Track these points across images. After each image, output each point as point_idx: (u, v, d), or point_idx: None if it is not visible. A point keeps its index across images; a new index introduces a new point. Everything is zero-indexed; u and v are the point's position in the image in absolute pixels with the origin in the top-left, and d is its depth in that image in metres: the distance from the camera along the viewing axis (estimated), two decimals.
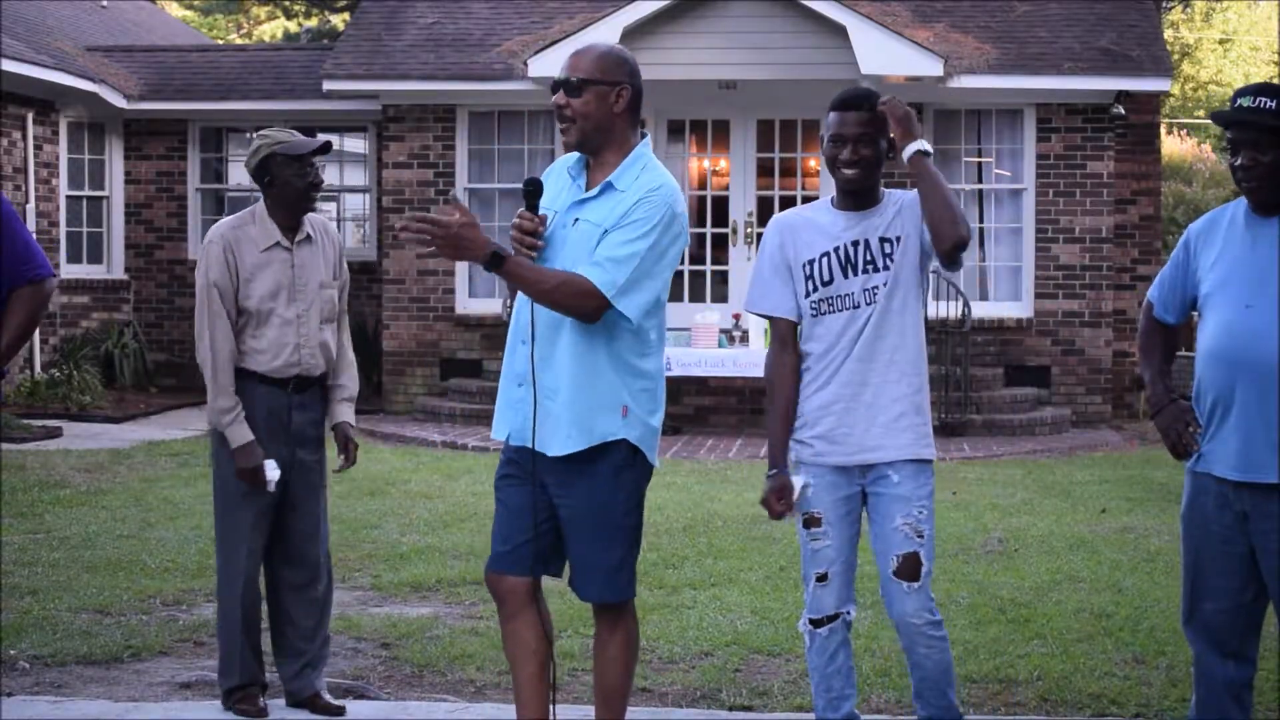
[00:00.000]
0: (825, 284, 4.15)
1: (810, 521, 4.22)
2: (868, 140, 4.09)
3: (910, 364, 4.16)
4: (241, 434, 4.92)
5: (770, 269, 4.27)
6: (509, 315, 4.23)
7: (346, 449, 5.17)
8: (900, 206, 4.14)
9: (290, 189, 4.98)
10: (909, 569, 4.11)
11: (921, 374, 4.19)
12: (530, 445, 4.00)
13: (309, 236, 5.08)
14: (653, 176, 4.00)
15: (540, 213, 3.99)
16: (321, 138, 5.10)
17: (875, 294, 4.11)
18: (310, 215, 5.15)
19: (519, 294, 4.02)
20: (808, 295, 4.18)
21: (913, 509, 4.13)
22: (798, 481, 4.23)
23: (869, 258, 4.12)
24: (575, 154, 4.08)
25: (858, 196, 4.17)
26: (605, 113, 3.96)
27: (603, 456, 3.99)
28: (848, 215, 4.17)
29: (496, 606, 4.18)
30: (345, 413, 5.19)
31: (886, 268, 4.11)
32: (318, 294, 5.06)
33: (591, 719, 4.28)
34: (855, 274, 4.13)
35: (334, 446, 5.17)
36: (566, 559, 4.11)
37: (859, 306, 4.13)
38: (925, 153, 4.04)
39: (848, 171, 4.11)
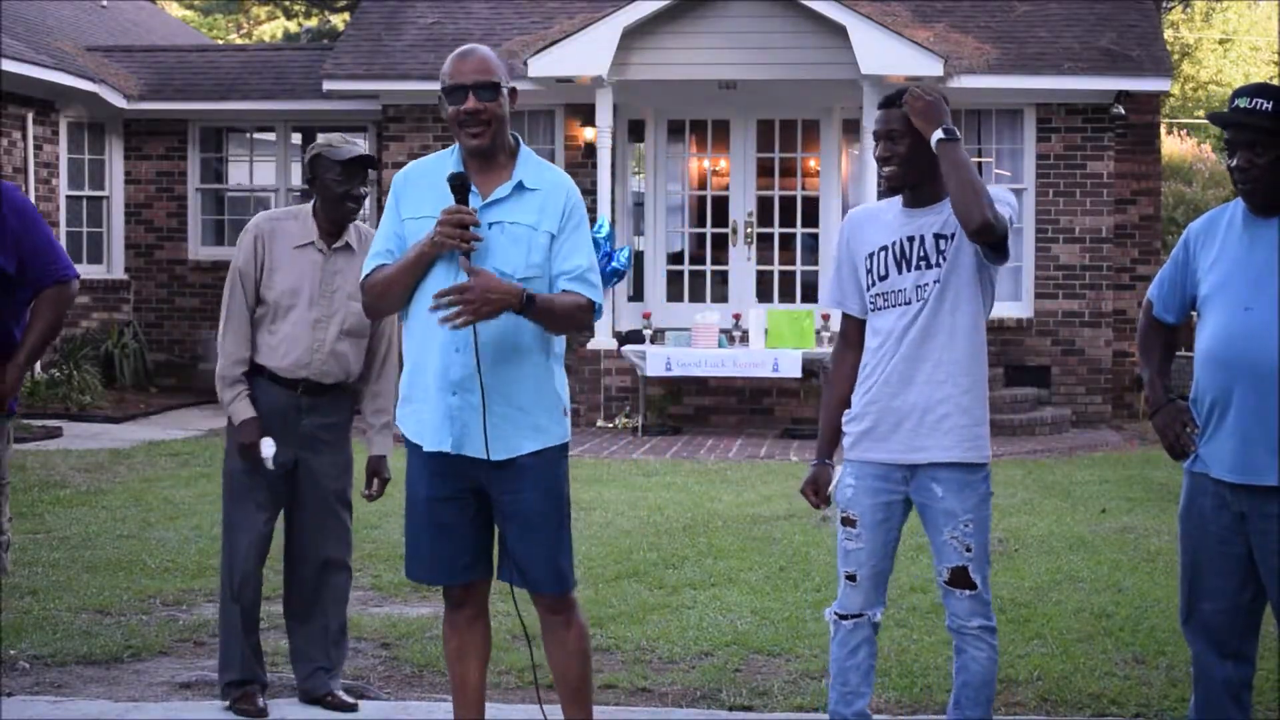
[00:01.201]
0: (881, 279, 4.14)
1: (847, 521, 4.22)
2: (899, 136, 4.07)
3: (959, 364, 4.10)
4: (241, 410, 5.01)
5: (838, 264, 4.30)
6: None
7: (371, 483, 5.13)
8: None
9: (327, 191, 5.03)
10: (959, 580, 4.12)
11: (972, 375, 4.13)
12: (469, 454, 3.94)
13: (348, 246, 5.08)
14: (552, 170, 4.10)
15: (471, 207, 3.91)
16: (362, 150, 5.09)
17: (926, 291, 4.07)
18: (360, 228, 5.16)
19: (429, 301, 3.89)
20: (869, 289, 4.18)
21: (958, 524, 4.10)
22: (837, 474, 4.24)
23: (923, 254, 4.09)
24: (448, 158, 4.02)
25: (916, 192, 4.13)
26: (507, 114, 4.00)
27: (544, 454, 4.02)
28: (908, 211, 4.15)
29: (452, 606, 4.15)
30: (381, 444, 5.15)
31: (939, 264, 4.07)
32: (345, 304, 5.03)
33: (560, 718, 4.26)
34: (909, 269, 4.10)
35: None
36: (514, 558, 4.06)
37: (910, 303, 4.09)
38: (948, 139, 4.00)
39: (885, 168, 4.13)
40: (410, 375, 4.06)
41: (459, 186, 3.89)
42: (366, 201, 18.18)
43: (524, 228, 3.96)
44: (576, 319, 4.01)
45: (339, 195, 5.01)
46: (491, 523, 4.11)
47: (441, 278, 3.91)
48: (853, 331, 4.29)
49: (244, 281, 5.04)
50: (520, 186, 3.99)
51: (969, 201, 3.93)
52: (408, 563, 4.18)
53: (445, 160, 4.05)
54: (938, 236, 4.09)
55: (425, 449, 4.00)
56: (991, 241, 3.98)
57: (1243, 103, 3.88)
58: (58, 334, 4.91)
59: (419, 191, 4.03)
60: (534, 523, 4.02)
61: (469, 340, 3.88)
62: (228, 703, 5.06)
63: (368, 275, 4.05)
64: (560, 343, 4.10)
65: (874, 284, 4.16)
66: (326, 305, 5.03)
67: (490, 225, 3.93)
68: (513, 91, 4.03)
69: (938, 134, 4.00)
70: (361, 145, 5.14)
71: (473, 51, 4.01)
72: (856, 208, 4.41)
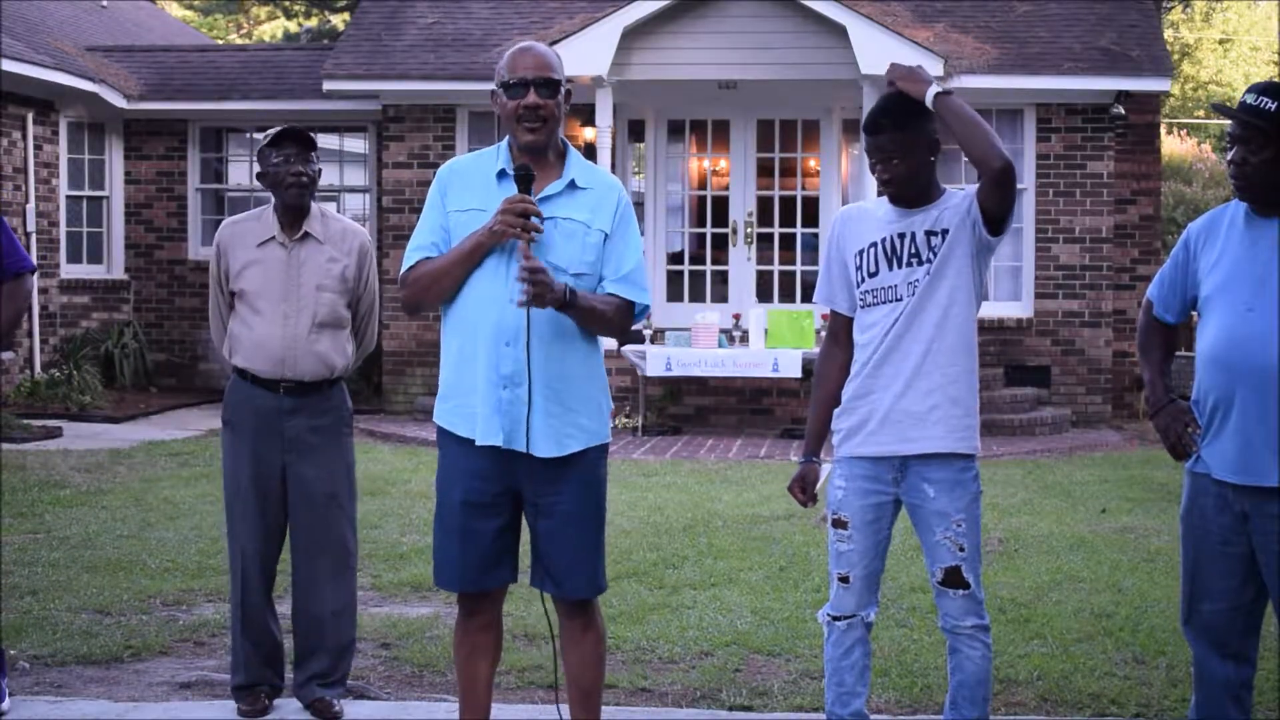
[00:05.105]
0: (871, 275, 4.14)
1: (838, 523, 4.23)
2: (894, 155, 4.06)
3: (948, 355, 4.09)
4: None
5: (828, 262, 4.30)
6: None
7: None
8: (952, 202, 4.12)
9: (266, 178, 5.04)
10: (952, 580, 4.12)
11: (961, 366, 4.11)
12: (517, 448, 3.92)
13: (310, 235, 5.05)
14: (601, 172, 4.10)
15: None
16: (285, 126, 5.11)
17: (916, 287, 4.08)
18: (331, 218, 5.14)
19: (476, 294, 3.92)
20: (859, 285, 4.18)
21: (950, 524, 4.09)
22: (824, 471, 4.24)
23: (913, 250, 4.10)
24: (495, 156, 4.02)
25: (907, 197, 4.16)
26: (563, 113, 4.00)
27: (588, 453, 4.02)
28: (900, 210, 4.16)
29: (467, 613, 4.14)
30: None
31: (929, 260, 4.08)
32: (314, 296, 5.01)
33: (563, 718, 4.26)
34: (899, 266, 4.10)
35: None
36: (544, 560, 4.04)
37: (901, 299, 4.09)
38: (944, 94, 3.99)
39: (885, 189, 4.15)
40: (455, 370, 4.00)
41: (523, 178, 3.87)
42: (366, 200, 17.89)
43: (578, 224, 3.95)
44: (613, 320, 4.00)
45: (279, 177, 4.99)
46: (519, 529, 4.08)
47: (491, 271, 3.90)
48: (841, 330, 4.30)
49: (221, 289, 5.14)
50: (573, 185, 3.98)
51: (984, 147, 3.94)
52: (436, 569, 4.12)
53: (491, 156, 4.04)
54: (929, 233, 4.10)
55: (477, 443, 3.94)
56: (1008, 182, 3.96)
57: (1249, 99, 3.89)
58: (19, 324, 5.10)
59: (466, 185, 4.01)
60: (572, 524, 4.00)
61: (520, 333, 3.86)
62: (240, 706, 5.06)
63: (410, 268, 4.01)
64: (601, 342, 4.10)
65: (864, 280, 4.16)
66: (295, 299, 5.00)
67: (543, 220, 3.91)
68: (568, 92, 4.01)
69: (931, 92, 4.00)
70: None
71: (532, 47, 4.00)
72: (848, 206, 4.41)
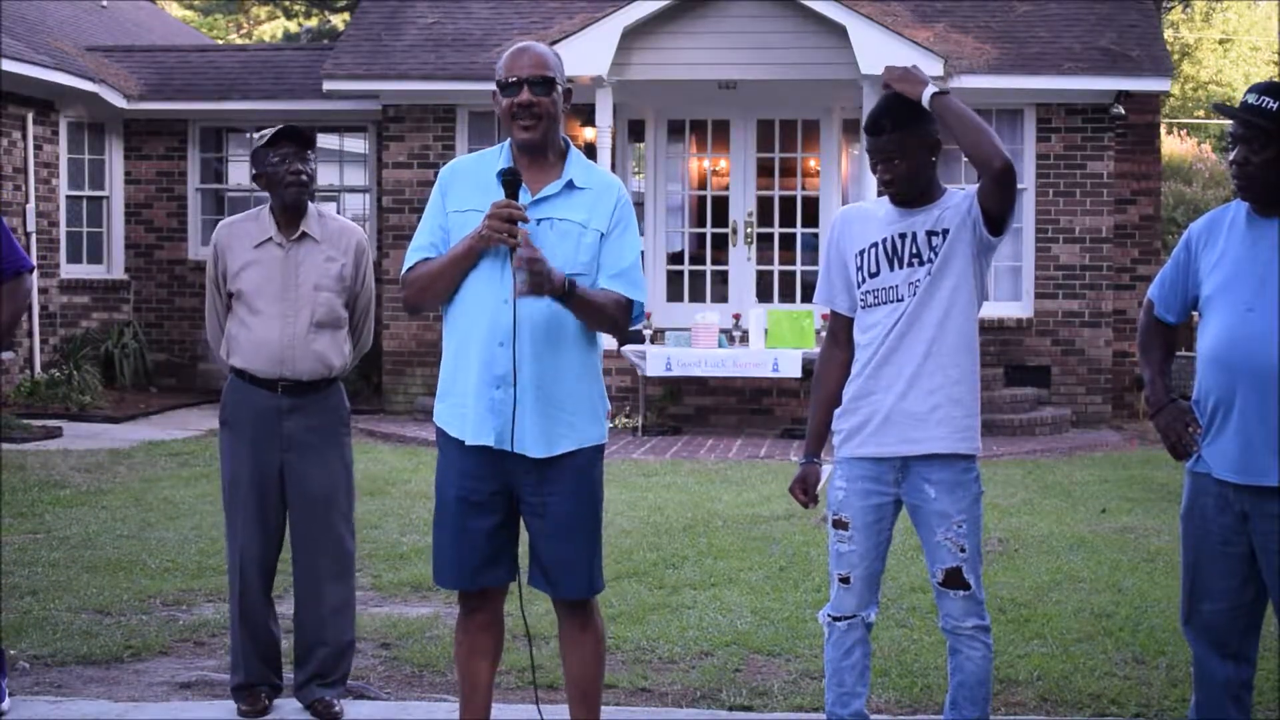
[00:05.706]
0: (872, 275, 4.14)
1: (839, 524, 4.23)
2: (896, 157, 4.07)
3: (950, 356, 4.09)
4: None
5: (828, 262, 4.30)
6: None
7: None
8: (953, 202, 4.12)
9: (270, 177, 5.03)
10: (953, 581, 4.12)
11: (962, 367, 4.11)
12: (509, 448, 3.93)
13: (308, 235, 5.05)
14: (601, 172, 4.11)
15: (521, 203, 3.91)
16: (283, 125, 5.10)
17: (918, 287, 4.08)
18: (328, 218, 5.15)
19: (473, 295, 3.94)
20: (859, 285, 4.18)
21: (952, 525, 4.09)
22: (825, 472, 4.24)
23: (914, 250, 4.10)
24: (497, 156, 4.03)
25: (908, 197, 4.16)
26: (559, 112, 4.00)
27: (581, 454, 4.02)
28: (900, 210, 4.16)
29: (467, 612, 4.14)
30: None
31: (930, 260, 4.08)
32: (312, 296, 5.01)
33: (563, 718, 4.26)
34: (900, 266, 4.10)
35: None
36: (540, 560, 4.05)
37: (902, 299, 4.09)
38: (941, 93, 4.00)
39: (886, 190, 4.15)
40: (451, 370, 4.03)
41: (510, 182, 3.88)
42: (366, 200, 17.88)
43: (574, 225, 3.95)
44: (613, 316, 3.99)
45: (278, 177, 4.98)
46: (516, 528, 4.09)
47: (487, 272, 3.91)
48: (841, 330, 4.30)
49: (218, 290, 5.13)
50: (570, 185, 3.99)
51: (985, 146, 3.95)
52: (435, 568, 4.13)
53: (493, 156, 4.05)
54: (930, 233, 4.10)
55: (467, 443, 3.96)
56: (1009, 181, 3.97)
57: (1251, 99, 3.89)
58: (19, 324, 5.12)
59: (467, 185, 4.02)
60: (567, 525, 4.00)
61: (511, 333, 3.87)
62: (240, 706, 5.05)
63: (409, 269, 4.03)
64: (600, 343, 4.10)
65: (864, 281, 4.16)
66: (293, 299, 5.00)
67: (539, 221, 3.92)
68: (567, 92, 4.02)
69: (928, 93, 4.01)
70: None
71: (529, 48, 4.01)
72: (848, 206, 4.41)
